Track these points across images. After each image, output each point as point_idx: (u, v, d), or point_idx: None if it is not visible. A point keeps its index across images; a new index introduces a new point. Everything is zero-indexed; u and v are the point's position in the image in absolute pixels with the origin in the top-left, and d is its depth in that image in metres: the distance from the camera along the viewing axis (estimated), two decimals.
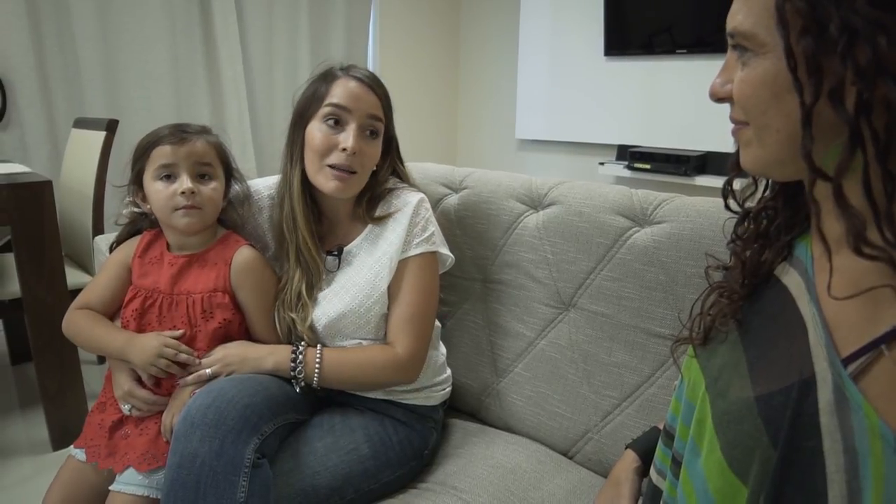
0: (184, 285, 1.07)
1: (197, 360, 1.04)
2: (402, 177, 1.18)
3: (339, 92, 1.05)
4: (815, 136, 0.48)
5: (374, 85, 1.08)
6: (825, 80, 0.46)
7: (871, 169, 0.46)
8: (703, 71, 2.83)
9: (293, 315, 1.08)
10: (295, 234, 1.10)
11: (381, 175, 1.13)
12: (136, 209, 1.12)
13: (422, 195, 1.12)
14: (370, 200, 1.12)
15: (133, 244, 1.13)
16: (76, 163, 2.20)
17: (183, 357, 1.02)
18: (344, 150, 1.03)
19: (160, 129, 1.07)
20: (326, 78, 1.09)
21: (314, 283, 1.11)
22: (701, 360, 0.64)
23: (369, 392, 1.10)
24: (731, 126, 0.58)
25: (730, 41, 0.54)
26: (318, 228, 1.15)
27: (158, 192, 1.05)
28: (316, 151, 1.05)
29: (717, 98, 0.58)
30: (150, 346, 1.02)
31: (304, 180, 1.10)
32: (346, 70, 1.09)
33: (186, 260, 1.09)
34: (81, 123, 2.29)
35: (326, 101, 1.05)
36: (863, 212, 0.47)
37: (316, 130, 1.06)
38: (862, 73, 0.44)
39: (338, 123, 1.05)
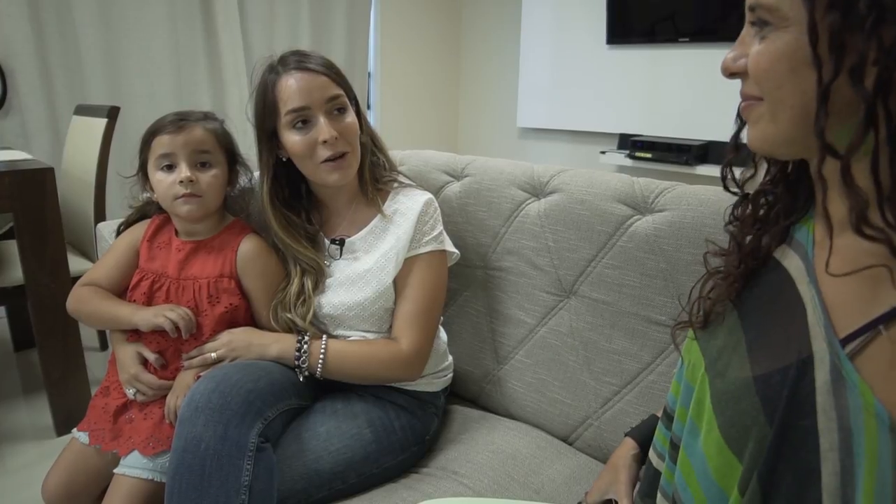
0: (191, 270, 1.08)
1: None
2: (376, 141, 1.17)
3: (289, 94, 1.03)
4: (829, 114, 0.48)
5: (315, 66, 1.05)
6: (846, 58, 0.46)
7: (881, 150, 0.46)
8: (705, 59, 2.82)
9: (289, 315, 1.08)
10: (286, 247, 1.11)
11: (365, 140, 1.12)
12: (147, 195, 1.14)
13: (430, 195, 1.13)
14: (374, 181, 1.13)
15: (142, 228, 1.14)
16: (78, 150, 2.20)
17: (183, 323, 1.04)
18: (325, 142, 1.03)
19: (162, 118, 1.08)
20: (269, 83, 1.06)
21: (319, 281, 1.11)
22: (701, 341, 0.65)
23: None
24: (741, 103, 0.57)
25: (749, 15, 0.53)
26: (318, 217, 1.16)
27: (160, 181, 1.06)
28: (303, 157, 1.05)
29: (729, 73, 0.56)
30: (160, 307, 1.05)
31: (273, 193, 1.10)
32: (285, 64, 1.06)
33: (194, 246, 1.10)
34: (83, 110, 2.29)
35: (283, 110, 1.03)
36: (867, 192, 0.47)
37: (292, 138, 1.04)
38: (887, 53, 0.44)
39: (306, 122, 1.04)
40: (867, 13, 0.44)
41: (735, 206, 0.67)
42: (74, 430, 1.11)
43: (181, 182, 1.04)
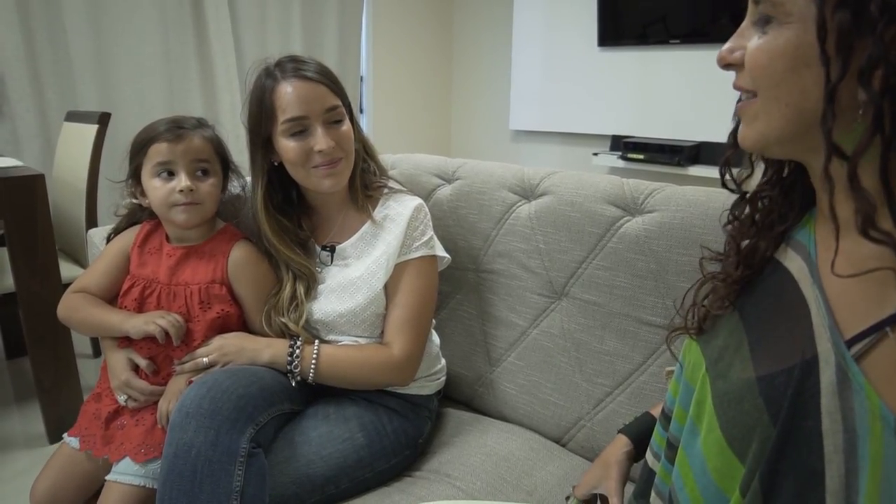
0: (182, 276, 1.08)
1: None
2: (367, 147, 1.17)
3: (287, 102, 1.02)
4: (836, 114, 0.47)
5: (313, 74, 1.04)
6: (854, 58, 0.45)
7: (891, 152, 0.46)
8: (696, 61, 2.83)
9: (283, 319, 1.08)
10: (277, 252, 1.11)
11: (357, 147, 1.12)
12: (135, 201, 1.13)
13: (420, 200, 1.13)
14: (364, 188, 1.13)
15: (132, 233, 1.14)
16: (68, 156, 2.20)
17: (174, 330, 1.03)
18: (320, 151, 1.02)
19: (157, 125, 1.07)
20: (266, 89, 1.04)
21: (311, 286, 1.11)
22: (701, 342, 0.65)
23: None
24: (736, 100, 0.57)
25: (752, 7, 0.52)
26: (308, 223, 1.16)
27: (157, 188, 1.06)
28: (296, 164, 1.05)
29: (725, 64, 0.56)
30: (150, 314, 1.05)
31: (267, 198, 1.10)
32: (283, 70, 1.04)
33: (185, 252, 1.10)
34: (73, 117, 2.28)
35: (281, 118, 1.02)
36: (874, 195, 0.47)
37: (287, 145, 1.04)
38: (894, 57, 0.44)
39: (303, 131, 1.03)
40: (879, 15, 0.44)
41: (734, 206, 0.67)
42: (65, 435, 1.11)
43: (181, 191, 1.04)
